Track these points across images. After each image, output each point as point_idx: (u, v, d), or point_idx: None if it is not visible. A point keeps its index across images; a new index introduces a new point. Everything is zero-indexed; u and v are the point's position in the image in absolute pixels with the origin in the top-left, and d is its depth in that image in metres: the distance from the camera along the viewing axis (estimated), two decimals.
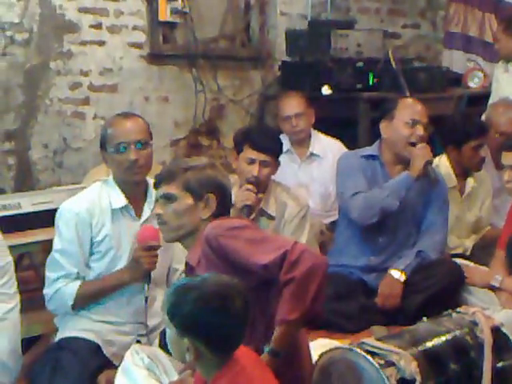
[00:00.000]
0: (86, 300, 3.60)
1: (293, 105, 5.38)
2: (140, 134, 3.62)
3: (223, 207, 3.10)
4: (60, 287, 3.59)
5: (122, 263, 3.62)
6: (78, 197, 3.70)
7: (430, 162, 4.40)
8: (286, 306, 2.79)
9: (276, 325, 2.81)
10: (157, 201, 3.14)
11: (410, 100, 4.62)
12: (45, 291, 3.65)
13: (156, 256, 3.49)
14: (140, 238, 3.51)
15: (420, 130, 4.38)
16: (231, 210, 4.08)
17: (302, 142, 5.42)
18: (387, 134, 4.44)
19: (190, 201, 3.04)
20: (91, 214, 3.61)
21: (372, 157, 4.49)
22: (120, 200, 3.64)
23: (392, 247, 4.44)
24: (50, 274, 3.64)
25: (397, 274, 4.33)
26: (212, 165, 3.17)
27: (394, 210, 4.35)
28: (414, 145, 4.38)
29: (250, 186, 4.16)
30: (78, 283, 3.60)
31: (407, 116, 4.40)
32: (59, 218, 3.64)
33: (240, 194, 4.15)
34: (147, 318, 3.64)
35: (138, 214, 3.67)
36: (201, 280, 2.55)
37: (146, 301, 3.53)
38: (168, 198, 3.06)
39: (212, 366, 2.49)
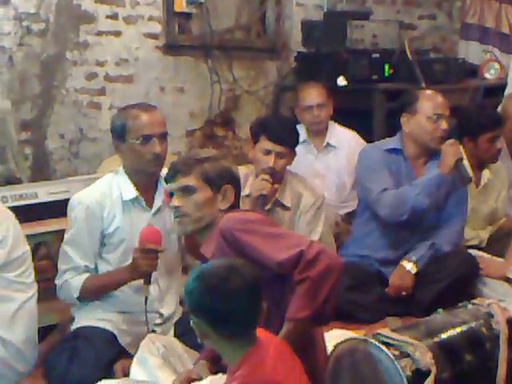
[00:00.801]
0: (91, 294, 3.63)
1: (315, 95, 5.37)
2: (163, 127, 3.63)
3: (237, 199, 3.12)
4: (67, 279, 3.62)
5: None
6: (89, 189, 3.71)
7: (460, 159, 4.32)
8: (297, 303, 2.80)
9: (285, 321, 2.82)
10: (171, 194, 3.12)
11: (431, 93, 4.53)
12: (56, 281, 3.69)
13: (156, 259, 3.45)
14: (141, 240, 3.47)
15: (444, 124, 4.34)
16: (246, 200, 4.13)
17: (319, 132, 5.41)
18: (409, 128, 4.40)
19: (209, 192, 3.04)
20: (102, 206, 3.61)
21: (395, 150, 4.46)
22: (130, 191, 3.64)
23: (412, 241, 4.42)
24: (60, 265, 3.68)
25: (408, 266, 4.32)
26: (225, 156, 3.22)
27: (425, 208, 4.32)
28: (441, 138, 4.34)
29: (266, 176, 4.16)
30: (84, 277, 3.62)
31: (430, 110, 4.35)
32: (70, 210, 3.66)
33: (256, 184, 4.16)
34: (163, 307, 3.67)
35: (149, 204, 3.67)
36: (209, 263, 2.62)
37: (146, 301, 3.49)
38: (187, 190, 3.05)
39: (231, 351, 2.52)
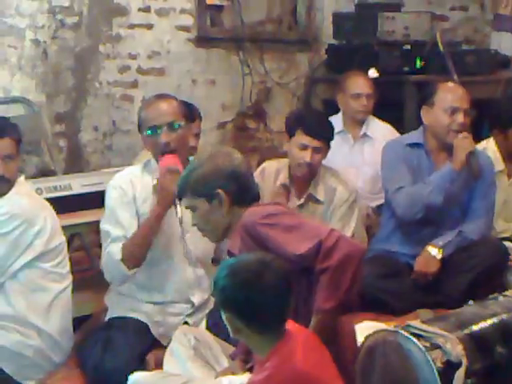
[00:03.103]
0: (132, 250, 3.55)
1: (366, 84, 5.36)
2: (171, 116, 3.61)
3: (242, 191, 3.07)
4: (109, 250, 3.60)
5: (166, 238, 3.64)
6: (122, 172, 3.77)
7: (472, 153, 4.26)
8: (321, 294, 2.81)
9: (313, 314, 2.84)
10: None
11: (450, 85, 4.45)
12: (101, 265, 3.68)
13: (178, 177, 3.40)
14: (161, 165, 3.54)
15: (460, 118, 4.27)
16: (279, 191, 4.16)
17: (357, 122, 5.41)
18: (428, 120, 4.37)
19: (205, 204, 3.05)
20: (134, 186, 3.65)
21: (417, 145, 4.41)
22: None
23: (437, 237, 4.40)
24: (103, 247, 3.67)
25: (434, 251, 4.25)
26: (210, 158, 3.11)
27: (439, 204, 4.28)
28: (457, 132, 4.30)
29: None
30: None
31: (447, 103, 4.29)
32: (106, 192, 3.71)
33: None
34: (194, 295, 3.68)
35: None
36: (238, 258, 2.64)
37: (181, 223, 3.54)
38: (191, 210, 3.11)
39: (263, 344, 2.54)
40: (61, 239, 3.60)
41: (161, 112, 3.61)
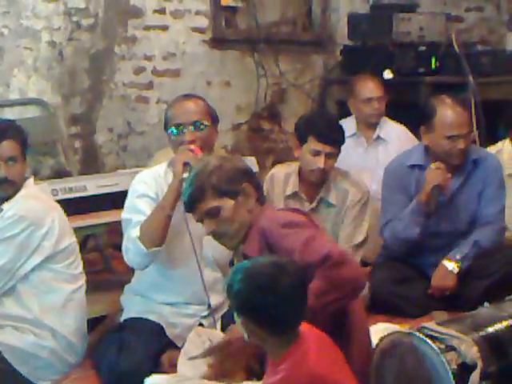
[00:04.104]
0: (149, 225, 3.50)
1: (376, 87, 5.37)
2: (196, 115, 3.63)
3: (259, 189, 3.11)
4: (128, 233, 3.57)
5: (183, 240, 3.61)
6: (147, 170, 3.78)
7: (437, 187, 4.19)
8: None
9: None
10: (200, 221, 3.10)
11: (449, 109, 4.25)
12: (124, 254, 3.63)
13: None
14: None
15: (461, 144, 4.22)
16: (289, 200, 4.16)
17: (371, 125, 5.41)
18: (428, 141, 4.30)
19: (230, 202, 3.02)
20: (158, 184, 3.65)
21: (418, 166, 4.36)
22: None
23: (450, 247, 4.34)
24: (124, 236, 3.63)
25: (451, 266, 4.23)
26: (223, 158, 3.13)
27: (417, 237, 4.27)
28: (459, 156, 4.26)
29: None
30: None
31: (447, 131, 4.21)
32: (130, 189, 3.68)
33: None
34: (210, 297, 3.66)
35: None
36: (252, 261, 2.61)
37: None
38: (212, 214, 3.03)
39: (277, 346, 2.53)
40: (70, 240, 3.58)
41: (187, 110, 3.64)
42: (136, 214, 3.58)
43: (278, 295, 2.46)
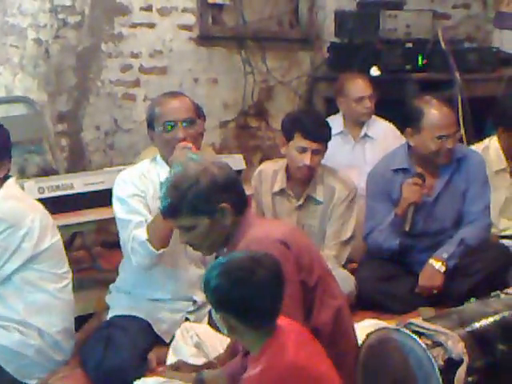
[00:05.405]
0: (155, 228, 3.51)
1: (366, 86, 5.35)
2: (187, 113, 3.65)
3: (240, 198, 2.98)
4: (134, 234, 3.57)
5: (173, 238, 3.59)
6: (130, 169, 3.78)
7: (412, 204, 4.22)
8: None
9: None
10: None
11: (437, 111, 4.25)
12: (127, 251, 3.63)
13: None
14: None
15: (450, 144, 4.23)
16: (276, 197, 4.16)
17: (359, 123, 5.41)
18: (414, 142, 4.30)
19: (206, 221, 2.90)
20: (143, 182, 3.66)
21: (403, 170, 4.36)
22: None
23: (438, 245, 4.35)
24: (123, 236, 3.64)
25: (437, 265, 4.24)
26: (202, 168, 2.93)
27: (397, 248, 4.32)
28: (447, 155, 4.27)
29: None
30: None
31: (436, 132, 4.21)
32: (116, 188, 3.69)
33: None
34: (196, 294, 3.68)
35: None
36: (228, 256, 2.62)
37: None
38: (187, 229, 2.95)
39: (256, 340, 2.53)
40: (53, 240, 3.51)
41: (177, 108, 3.64)
42: (134, 214, 3.60)
43: (254, 288, 2.47)
